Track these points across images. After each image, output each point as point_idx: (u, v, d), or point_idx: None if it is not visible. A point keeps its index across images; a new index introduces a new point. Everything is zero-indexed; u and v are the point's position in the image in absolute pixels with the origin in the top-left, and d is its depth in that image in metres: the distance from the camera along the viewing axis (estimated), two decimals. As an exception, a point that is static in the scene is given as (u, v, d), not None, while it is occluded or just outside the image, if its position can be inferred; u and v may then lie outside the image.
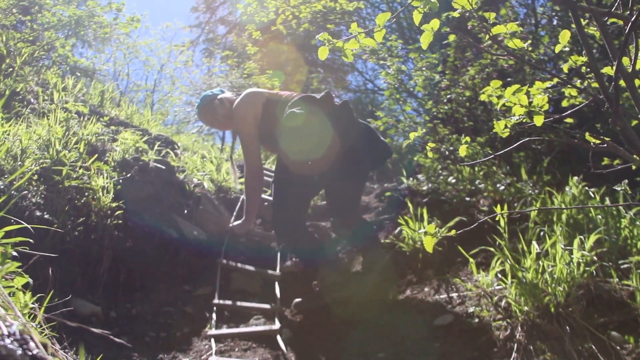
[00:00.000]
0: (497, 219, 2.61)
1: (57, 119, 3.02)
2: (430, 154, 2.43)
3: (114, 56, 8.39)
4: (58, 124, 2.98)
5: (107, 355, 2.00)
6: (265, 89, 3.15)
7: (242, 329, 2.63)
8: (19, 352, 0.73)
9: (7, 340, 0.73)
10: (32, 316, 1.46)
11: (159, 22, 19.30)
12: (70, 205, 2.57)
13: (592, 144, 1.53)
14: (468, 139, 1.94)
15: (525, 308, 2.17)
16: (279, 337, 2.51)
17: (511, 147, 1.74)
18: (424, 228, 1.64)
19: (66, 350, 1.72)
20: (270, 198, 3.27)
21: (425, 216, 3.13)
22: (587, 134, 1.58)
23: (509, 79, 3.94)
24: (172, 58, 9.67)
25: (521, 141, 1.66)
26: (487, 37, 1.61)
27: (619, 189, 2.71)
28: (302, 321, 2.79)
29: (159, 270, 2.99)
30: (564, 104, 2.28)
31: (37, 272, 2.01)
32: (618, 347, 1.95)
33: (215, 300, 2.79)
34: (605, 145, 1.49)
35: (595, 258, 2.31)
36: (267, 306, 2.82)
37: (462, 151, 1.86)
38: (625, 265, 2.33)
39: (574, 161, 4.04)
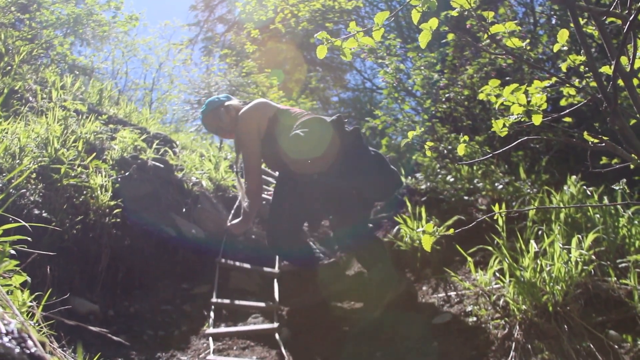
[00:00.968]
0: (495, 217, 2.61)
1: (56, 118, 3.01)
2: (428, 153, 2.42)
3: (112, 54, 8.37)
4: (56, 122, 2.98)
5: (105, 354, 1.99)
6: (275, 103, 3.08)
7: (240, 328, 2.63)
8: (17, 350, 0.73)
9: (5, 339, 0.73)
10: (30, 314, 1.46)
11: (158, 21, 19.29)
12: (68, 204, 2.57)
13: (590, 143, 1.54)
14: (466, 137, 1.94)
15: (523, 307, 2.18)
16: (277, 336, 2.52)
17: (509, 146, 1.74)
18: (422, 227, 1.64)
19: (64, 348, 1.72)
20: (270, 198, 3.27)
21: (424, 215, 3.13)
22: (585, 133, 1.58)
23: (507, 78, 3.95)
24: (170, 56, 9.65)
25: (519, 140, 1.66)
26: (486, 36, 1.61)
27: (617, 188, 2.72)
28: (300, 320, 2.79)
29: (157, 269, 2.98)
30: (563, 103, 2.28)
31: (35, 270, 2.01)
32: (616, 346, 1.96)
33: (214, 299, 2.79)
34: (604, 144, 1.49)
35: (593, 257, 2.31)
36: (265, 305, 2.82)
37: (461, 150, 1.86)
38: (623, 264, 2.33)
39: (572, 160, 4.06)
